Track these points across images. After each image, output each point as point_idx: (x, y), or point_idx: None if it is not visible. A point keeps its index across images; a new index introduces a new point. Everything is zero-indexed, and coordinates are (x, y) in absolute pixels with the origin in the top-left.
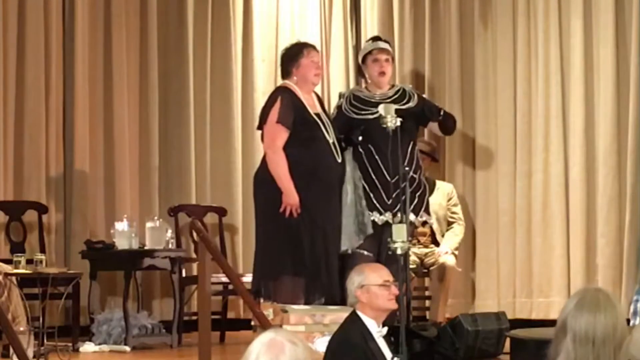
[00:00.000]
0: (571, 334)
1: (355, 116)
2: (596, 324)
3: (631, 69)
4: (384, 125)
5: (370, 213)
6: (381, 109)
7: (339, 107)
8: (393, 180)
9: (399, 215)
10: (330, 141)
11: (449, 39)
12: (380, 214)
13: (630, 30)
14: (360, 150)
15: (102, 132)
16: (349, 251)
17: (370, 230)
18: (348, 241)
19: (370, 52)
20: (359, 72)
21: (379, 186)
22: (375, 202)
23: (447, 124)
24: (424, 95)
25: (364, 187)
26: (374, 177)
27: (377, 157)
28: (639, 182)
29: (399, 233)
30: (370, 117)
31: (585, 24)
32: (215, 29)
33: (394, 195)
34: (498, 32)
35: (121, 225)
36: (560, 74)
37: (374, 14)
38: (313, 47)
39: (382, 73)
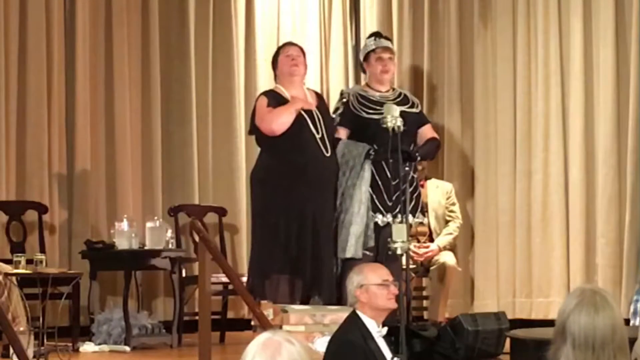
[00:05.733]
0: (570, 338)
1: (365, 115)
2: (595, 327)
3: (631, 69)
4: (384, 125)
5: (374, 214)
6: (384, 108)
7: (345, 104)
8: (394, 182)
9: (399, 216)
10: (318, 136)
11: (448, 39)
12: (383, 215)
13: (630, 30)
14: None
15: (103, 132)
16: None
17: (372, 243)
18: (354, 249)
19: (373, 50)
20: (361, 69)
21: (382, 187)
22: (377, 203)
23: (429, 150)
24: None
25: (369, 193)
26: (377, 178)
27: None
28: (639, 182)
29: (399, 233)
30: (379, 116)
31: (585, 24)
32: (216, 29)
33: (394, 197)
34: (498, 31)
35: (121, 225)
36: (560, 74)
37: (374, 14)
38: (290, 43)
39: (386, 71)
